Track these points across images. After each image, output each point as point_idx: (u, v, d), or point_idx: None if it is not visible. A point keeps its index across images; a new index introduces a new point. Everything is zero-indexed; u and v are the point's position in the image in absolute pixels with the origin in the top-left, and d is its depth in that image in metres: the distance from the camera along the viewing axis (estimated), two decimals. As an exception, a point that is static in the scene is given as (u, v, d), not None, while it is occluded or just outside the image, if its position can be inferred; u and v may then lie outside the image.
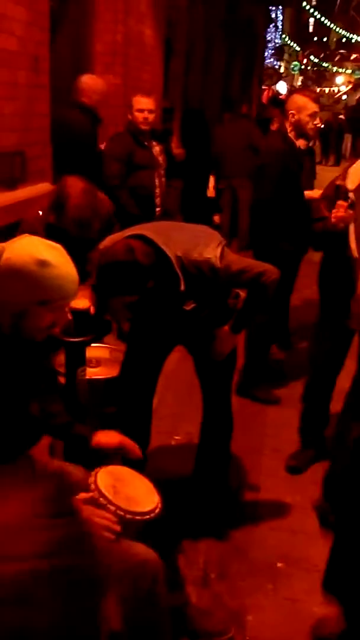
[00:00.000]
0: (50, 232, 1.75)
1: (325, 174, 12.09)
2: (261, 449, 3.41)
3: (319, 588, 2.20)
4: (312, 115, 3.53)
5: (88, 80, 4.57)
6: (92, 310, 2.46)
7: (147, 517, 1.65)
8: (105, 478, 1.69)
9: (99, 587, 1.57)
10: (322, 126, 4.08)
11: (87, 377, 2.64)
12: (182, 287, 2.23)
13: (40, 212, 2.77)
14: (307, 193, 3.78)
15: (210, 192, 7.26)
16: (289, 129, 3.59)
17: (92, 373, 2.75)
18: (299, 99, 3.57)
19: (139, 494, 1.71)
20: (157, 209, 4.65)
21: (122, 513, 1.61)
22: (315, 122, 3.57)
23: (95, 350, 2.85)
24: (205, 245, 2.27)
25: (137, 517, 1.63)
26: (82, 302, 2.36)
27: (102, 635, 1.55)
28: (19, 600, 1.49)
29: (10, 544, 1.53)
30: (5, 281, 1.61)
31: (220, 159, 7.18)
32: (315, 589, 2.25)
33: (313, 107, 3.53)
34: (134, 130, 4.51)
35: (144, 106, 4.50)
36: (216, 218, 7.18)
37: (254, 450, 3.36)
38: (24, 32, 3.95)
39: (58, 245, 1.70)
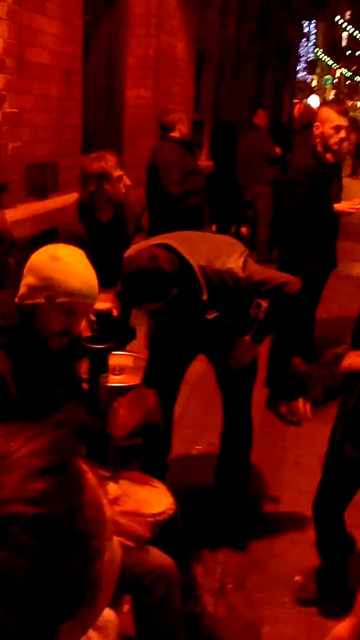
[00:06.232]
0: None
1: (355, 187, 11.98)
2: (282, 461, 3.40)
3: (337, 602, 2.18)
4: (336, 128, 3.41)
5: None
6: (114, 312, 2.49)
7: (159, 517, 1.67)
8: (112, 488, 1.71)
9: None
10: (346, 141, 3.96)
11: (110, 384, 2.68)
12: (205, 297, 2.25)
13: None
14: (336, 206, 3.75)
15: (243, 233, 7.29)
16: (317, 142, 3.54)
17: (115, 381, 2.78)
18: (324, 111, 3.51)
19: (150, 497, 1.73)
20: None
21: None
22: (340, 136, 3.44)
23: (119, 358, 2.88)
24: (228, 255, 2.29)
25: (148, 519, 1.65)
26: (104, 304, 2.40)
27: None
28: None
29: None
30: (25, 274, 1.70)
31: (240, 168, 7.39)
32: (333, 603, 2.23)
33: (337, 119, 3.40)
34: (182, 139, 4.64)
35: None
36: (243, 230, 7.21)
37: (274, 462, 3.35)
38: (57, 46, 4.05)
39: (79, 250, 1.75)
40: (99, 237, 2.86)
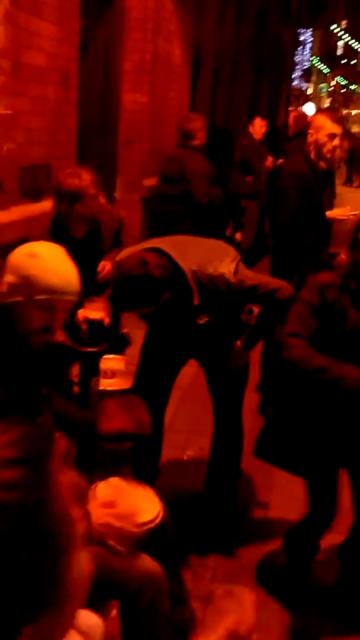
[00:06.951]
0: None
1: (349, 194, 12.04)
2: (273, 466, 3.38)
3: (326, 609, 2.18)
4: (330, 136, 3.39)
5: None
6: (106, 321, 2.49)
7: (147, 527, 1.66)
8: (105, 490, 1.70)
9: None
10: (338, 148, 3.95)
11: (101, 388, 2.67)
12: (196, 301, 2.25)
13: None
14: (329, 213, 3.75)
15: (237, 239, 7.29)
16: (311, 149, 3.55)
17: (107, 384, 2.77)
18: (318, 119, 3.51)
19: (139, 504, 1.72)
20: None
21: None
22: (333, 144, 3.42)
23: (111, 362, 2.87)
24: (220, 260, 2.29)
25: (135, 530, 1.64)
26: (96, 313, 2.40)
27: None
28: None
29: None
30: (3, 272, 1.69)
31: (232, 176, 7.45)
32: (322, 610, 2.22)
33: (331, 127, 3.39)
34: (203, 148, 4.64)
35: None
36: (237, 236, 7.20)
37: (266, 467, 3.33)
38: (54, 48, 4.05)
39: (59, 247, 1.74)
40: (73, 252, 2.85)
